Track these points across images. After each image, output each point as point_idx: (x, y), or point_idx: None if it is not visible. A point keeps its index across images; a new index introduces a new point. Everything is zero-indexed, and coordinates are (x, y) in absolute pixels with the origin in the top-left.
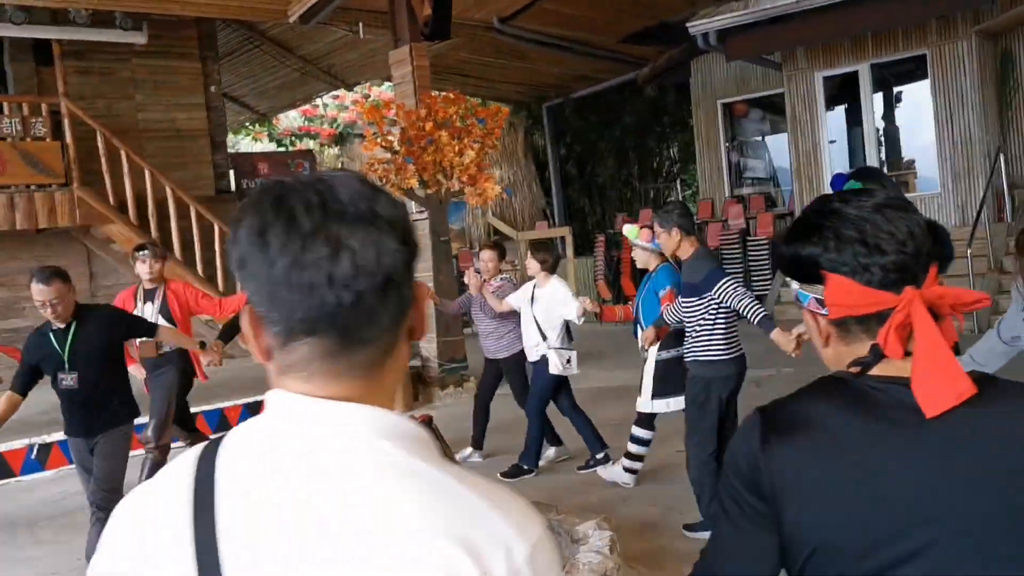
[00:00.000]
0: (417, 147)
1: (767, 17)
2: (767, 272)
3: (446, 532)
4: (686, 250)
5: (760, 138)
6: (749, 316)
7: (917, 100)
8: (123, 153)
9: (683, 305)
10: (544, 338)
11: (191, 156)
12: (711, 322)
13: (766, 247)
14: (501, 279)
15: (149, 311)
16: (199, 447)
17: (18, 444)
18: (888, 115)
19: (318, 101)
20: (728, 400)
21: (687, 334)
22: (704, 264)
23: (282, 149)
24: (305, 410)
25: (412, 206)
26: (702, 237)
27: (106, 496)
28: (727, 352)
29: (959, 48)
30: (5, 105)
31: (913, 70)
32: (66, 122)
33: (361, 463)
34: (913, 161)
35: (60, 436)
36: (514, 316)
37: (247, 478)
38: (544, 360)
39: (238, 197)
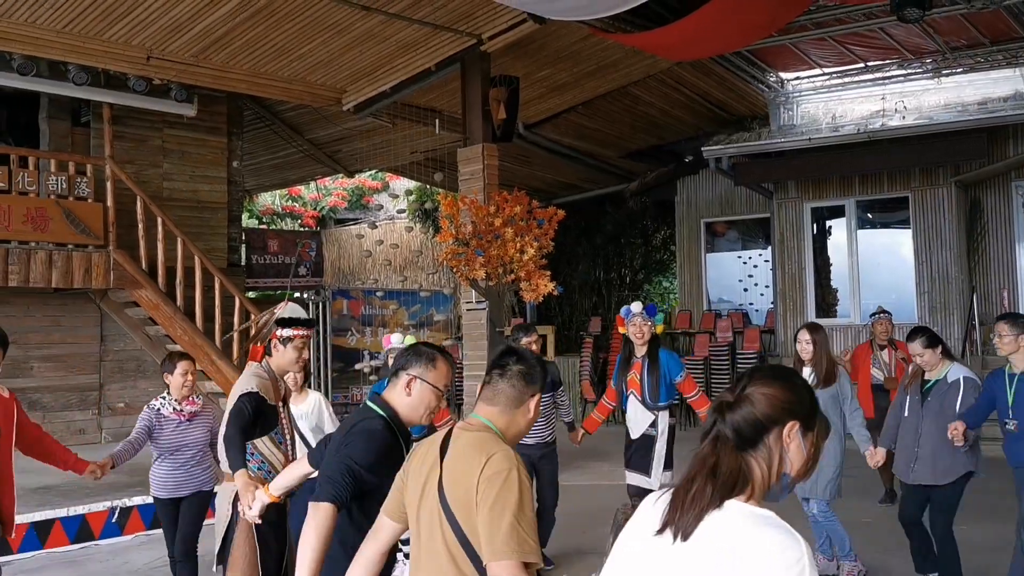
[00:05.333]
0: (485, 241)
1: (772, 150)
2: None
3: None
4: None
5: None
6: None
7: (897, 236)
8: (159, 220)
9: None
10: None
11: (208, 227)
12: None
13: (755, 360)
14: (198, 397)
15: None
16: None
17: (100, 507)
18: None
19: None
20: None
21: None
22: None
23: (291, 228)
24: None
25: (473, 296)
26: (691, 346)
27: None
28: None
29: (939, 194)
30: (52, 163)
31: (895, 209)
32: (109, 184)
33: None
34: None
35: (141, 500)
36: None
37: None
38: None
39: (247, 271)
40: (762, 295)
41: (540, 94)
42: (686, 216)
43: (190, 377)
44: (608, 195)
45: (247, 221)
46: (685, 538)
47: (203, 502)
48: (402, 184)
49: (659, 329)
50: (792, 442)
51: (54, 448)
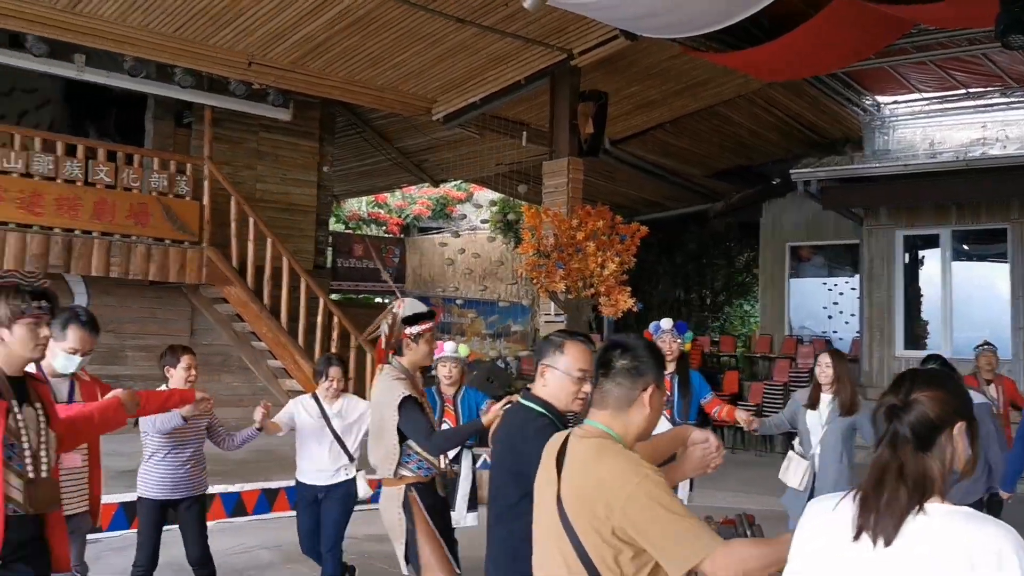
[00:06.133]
0: (566, 254)
1: (865, 175)
2: None
3: None
4: None
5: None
6: None
7: (994, 269)
8: (251, 220)
9: None
10: (351, 459)
11: (297, 230)
12: None
13: None
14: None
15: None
16: None
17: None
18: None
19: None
20: None
21: None
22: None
23: (376, 234)
24: None
25: (552, 308)
26: (770, 371)
27: None
28: None
29: None
30: (155, 161)
31: (992, 241)
32: (206, 184)
33: None
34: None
35: (223, 488)
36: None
37: None
38: (351, 483)
39: (332, 274)
40: (847, 323)
41: (628, 110)
42: (771, 239)
43: (193, 372)
44: (691, 214)
45: (334, 225)
46: (888, 543)
47: (203, 506)
48: (486, 195)
49: (687, 347)
50: (960, 441)
51: (151, 396)
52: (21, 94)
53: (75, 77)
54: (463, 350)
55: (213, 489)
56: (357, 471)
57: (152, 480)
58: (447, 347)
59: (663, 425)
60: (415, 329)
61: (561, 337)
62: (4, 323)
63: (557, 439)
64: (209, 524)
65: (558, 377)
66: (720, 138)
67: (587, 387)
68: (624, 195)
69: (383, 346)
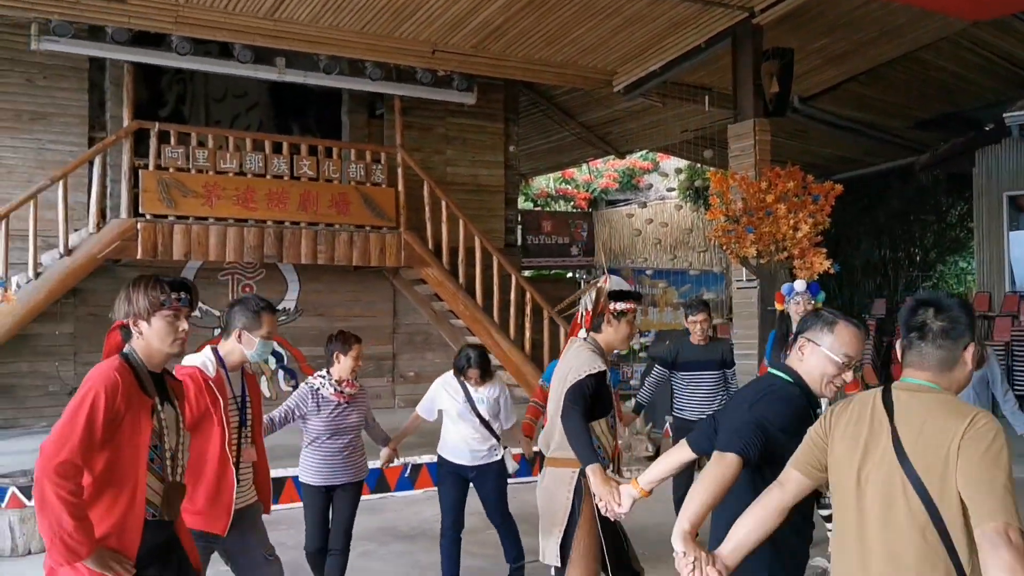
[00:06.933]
0: (756, 217)
1: None
2: None
3: None
4: None
5: None
6: None
7: None
8: (443, 203)
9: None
10: (498, 438)
11: (486, 210)
12: None
13: None
14: (356, 379)
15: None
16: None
17: (396, 462)
18: None
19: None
20: None
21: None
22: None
23: (564, 210)
24: None
25: (744, 274)
26: (989, 330)
27: None
28: None
29: None
30: (352, 152)
31: None
32: (400, 171)
33: None
34: None
35: (430, 458)
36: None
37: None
38: (501, 461)
39: (523, 251)
40: None
41: (817, 65)
42: (985, 190)
43: (360, 361)
44: (894, 169)
45: (523, 203)
46: None
47: (358, 492)
48: (672, 163)
49: (818, 307)
50: None
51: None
52: (233, 99)
53: (277, 79)
54: None
55: (424, 459)
56: (504, 448)
57: (311, 466)
58: None
59: None
60: (620, 305)
61: (834, 315)
62: (142, 315)
63: (872, 394)
64: (418, 492)
65: (819, 355)
66: (922, 85)
67: (848, 375)
68: (817, 154)
69: (580, 320)
